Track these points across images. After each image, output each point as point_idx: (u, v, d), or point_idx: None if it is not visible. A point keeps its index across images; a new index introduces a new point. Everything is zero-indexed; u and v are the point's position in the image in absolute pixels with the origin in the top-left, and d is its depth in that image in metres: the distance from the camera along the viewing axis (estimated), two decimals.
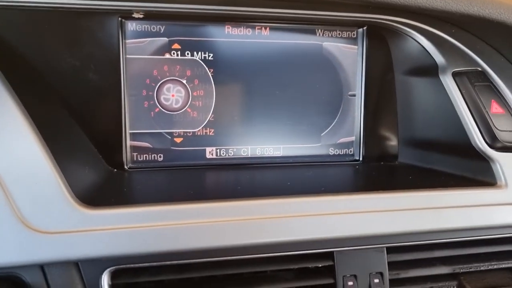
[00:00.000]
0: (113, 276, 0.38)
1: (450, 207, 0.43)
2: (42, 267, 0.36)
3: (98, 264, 0.37)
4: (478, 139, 0.45)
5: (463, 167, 0.48)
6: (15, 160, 0.35)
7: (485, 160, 0.46)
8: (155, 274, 0.39)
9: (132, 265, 0.37)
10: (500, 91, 0.47)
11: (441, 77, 0.48)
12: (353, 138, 0.54)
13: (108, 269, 0.37)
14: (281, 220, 0.39)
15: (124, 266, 0.37)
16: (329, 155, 0.54)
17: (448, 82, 0.47)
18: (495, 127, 0.45)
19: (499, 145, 0.45)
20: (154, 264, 0.38)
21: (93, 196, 0.38)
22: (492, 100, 0.47)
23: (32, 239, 0.34)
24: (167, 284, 0.40)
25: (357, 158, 0.55)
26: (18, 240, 0.34)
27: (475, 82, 0.47)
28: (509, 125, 0.46)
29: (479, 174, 0.46)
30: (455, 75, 0.47)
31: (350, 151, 0.55)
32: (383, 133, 0.55)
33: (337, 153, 0.54)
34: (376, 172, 0.51)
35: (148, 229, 0.36)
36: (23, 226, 0.34)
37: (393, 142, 0.55)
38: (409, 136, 0.53)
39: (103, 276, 0.37)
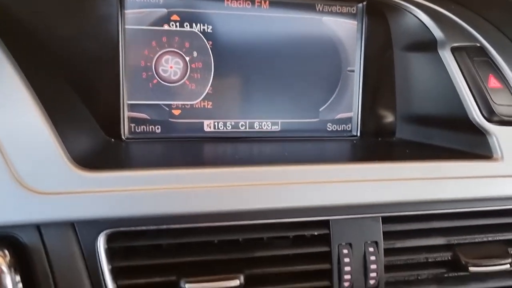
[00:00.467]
0: (109, 239, 0.38)
1: (446, 178, 0.43)
2: (38, 228, 0.36)
3: (94, 226, 0.37)
4: (475, 113, 0.46)
5: (461, 141, 0.48)
6: (14, 124, 0.35)
7: (482, 134, 0.46)
8: (151, 239, 0.39)
9: (128, 228, 0.38)
10: (499, 66, 0.47)
11: (440, 52, 0.48)
12: (351, 114, 0.55)
13: (104, 232, 0.37)
14: (278, 187, 0.39)
15: (120, 229, 0.37)
16: (327, 131, 0.54)
17: (447, 57, 0.47)
18: (493, 101, 0.45)
19: (496, 118, 0.45)
20: (151, 227, 0.38)
21: (90, 160, 0.38)
22: (490, 75, 0.47)
23: (29, 199, 0.34)
24: (164, 249, 0.40)
25: (355, 134, 0.55)
26: (14, 200, 0.34)
27: (473, 57, 0.47)
28: (506, 100, 0.46)
29: (476, 148, 0.46)
30: (454, 50, 0.48)
31: (348, 127, 0.55)
32: (381, 109, 0.55)
33: (335, 128, 0.54)
34: (374, 146, 0.51)
35: (145, 192, 0.36)
36: (20, 186, 0.34)
37: (391, 118, 0.55)
38: (407, 111, 0.54)
39: (99, 238, 0.37)
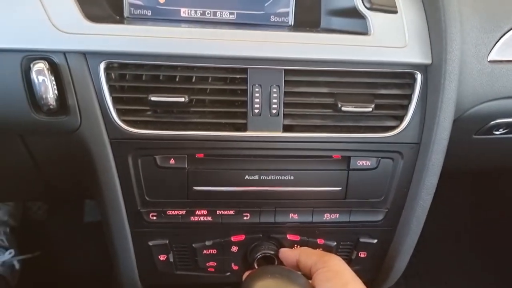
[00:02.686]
0: (107, 67, 0.62)
1: (332, 44, 0.64)
2: (64, 54, 0.60)
3: (97, 56, 0.61)
4: (359, 3, 0.65)
5: (351, 24, 0.67)
6: None
7: (363, 18, 0.65)
8: (133, 70, 0.63)
9: (120, 61, 0.61)
10: None
11: None
12: (288, 9, 0.75)
13: (104, 61, 0.61)
14: (223, 42, 0.61)
15: (112, 60, 0.61)
16: (270, 21, 0.75)
17: None
18: None
19: (371, 6, 0.64)
20: (132, 62, 0.62)
21: (100, 19, 0.62)
22: None
23: (59, 36, 0.58)
24: (143, 80, 0.63)
25: (290, 24, 0.75)
26: (51, 36, 0.58)
27: None
28: None
29: (358, 28, 0.66)
30: None
31: (286, 19, 0.75)
32: (310, 5, 0.74)
33: (276, 19, 0.75)
34: (297, 29, 0.72)
35: (130, 37, 0.60)
36: (55, 28, 0.58)
37: (317, 12, 0.74)
38: (327, 7, 0.73)
39: (100, 65, 0.61)
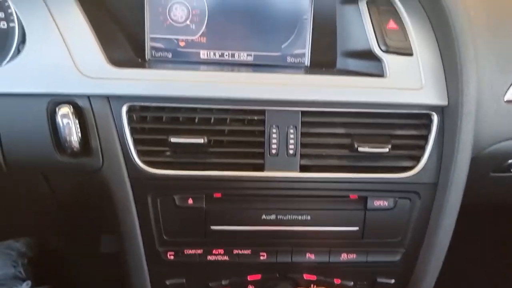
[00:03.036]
0: (129, 109, 0.63)
1: (348, 86, 0.65)
2: (89, 98, 0.62)
3: (120, 100, 0.63)
4: (375, 46, 0.66)
5: (367, 66, 0.69)
6: (79, 42, 0.62)
7: (378, 61, 0.66)
8: (154, 112, 0.64)
9: (141, 104, 0.63)
10: (399, 13, 0.67)
11: (359, 4, 0.69)
12: (304, 50, 0.76)
13: (126, 104, 0.63)
14: (242, 84, 0.63)
15: (134, 103, 0.63)
16: (286, 61, 0.77)
17: (363, 8, 0.68)
18: (387, 38, 0.66)
19: (387, 49, 0.65)
20: (153, 104, 0.64)
21: (122, 64, 0.64)
22: (390, 19, 0.67)
23: (84, 81, 0.61)
24: (163, 121, 0.65)
25: (306, 64, 0.77)
26: (77, 81, 0.61)
27: (380, 6, 0.67)
28: (397, 37, 0.66)
29: (374, 70, 0.67)
30: (368, 2, 0.68)
31: (302, 60, 0.77)
32: (326, 47, 0.76)
33: (293, 60, 0.77)
34: (314, 71, 0.73)
35: (153, 81, 0.62)
36: (80, 73, 0.61)
37: (333, 53, 0.76)
38: (343, 48, 0.74)
39: (123, 108, 0.63)
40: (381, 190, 0.69)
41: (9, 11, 0.64)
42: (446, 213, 0.69)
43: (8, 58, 0.64)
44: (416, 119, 0.67)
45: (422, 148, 0.68)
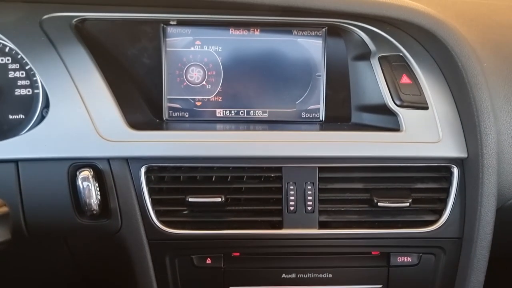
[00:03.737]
0: (148, 170, 0.64)
1: (365, 142, 0.65)
2: (108, 160, 0.64)
3: (138, 162, 0.64)
4: (389, 101, 0.67)
5: (382, 120, 0.69)
6: (99, 106, 0.64)
7: (393, 115, 0.67)
8: (172, 172, 0.65)
9: (158, 164, 0.64)
10: (412, 68, 0.68)
11: (371, 61, 0.70)
12: (319, 106, 0.77)
13: (144, 165, 0.64)
14: (257, 143, 0.64)
15: (153, 164, 0.64)
16: (301, 117, 0.77)
17: (375, 64, 0.69)
18: (401, 92, 0.66)
19: (402, 104, 0.66)
20: (171, 165, 0.65)
21: (140, 126, 0.66)
22: (404, 74, 0.68)
23: (104, 144, 0.62)
24: (181, 181, 0.66)
25: (321, 119, 0.77)
26: (97, 144, 0.62)
27: (393, 62, 0.68)
28: (411, 91, 0.66)
29: (390, 124, 0.67)
30: (380, 58, 0.69)
31: (317, 115, 0.77)
32: (340, 102, 0.77)
33: (307, 116, 0.77)
34: (329, 126, 0.74)
35: (170, 142, 0.63)
36: (99, 137, 0.63)
37: (347, 108, 0.76)
38: (357, 103, 0.75)
39: (141, 169, 0.64)
40: (404, 246, 0.67)
41: (34, 78, 0.67)
42: (474, 269, 0.66)
43: (31, 124, 0.66)
44: (435, 172, 0.66)
45: (444, 202, 0.66)
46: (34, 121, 0.66)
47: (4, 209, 0.49)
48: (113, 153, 0.63)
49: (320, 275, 0.68)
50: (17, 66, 0.67)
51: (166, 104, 0.76)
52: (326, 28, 0.75)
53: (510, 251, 0.88)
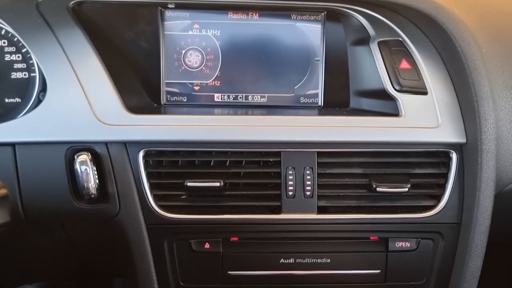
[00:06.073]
0: (146, 154, 0.64)
1: (364, 127, 0.64)
2: (106, 144, 0.63)
3: (136, 146, 0.63)
4: (388, 86, 0.66)
5: (381, 105, 0.69)
6: (97, 90, 0.63)
7: (392, 100, 0.66)
8: (170, 156, 0.65)
9: (155, 148, 0.64)
10: (411, 53, 0.67)
11: (370, 46, 0.69)
12: (317, 91, 0.77)
13: (143, 150, 0.64)
14: (258, 127, 0.64)
15: (151, 149, 0.64)
16: (300, 102, 0.77)
17: (375, 48, 0.68)
18: (401, 77, 0.66)
19: (401, 89, 0.65)
20: (169, 149, 0.64)
21: (138, 110, 0.65)
22: (403, 59, 0.67)
23: (102, 128, 0.62)
24: (179, 165, 0.65)
25: (320, 105, 0.77)
26: (95, 128, 0.62)
27: (392, 47, 0.68)
28: (410, 76, 0.66)
29: (389, 109, 0.67)
30: (380, 43, 0.68)
31: (315, 100, 0.77)
32: (338, 87, 0.76)
33: (306, 101, 0.77)
34: (328, 111, 0.73)
35: (168, 126, 0.62)
36: (98, 121, 0.62)
37: (346, 93, 0.76)
38: (356, 88, 0.75)
39: (139, 153, 0.63)
40: (402, 231, 0.67)
41: (31, 61, 0.66)
42: (472, 254, 0.66)
43: (28, 107, 0.65)
44: (434, 157, 0.66)
45: (443, 187, 0.66)
46: (31, 105, 0.66)
47: (3, 191, 0.49)
48: (111, 137, 0.62)
49: (319, 260, 0.68)
50: (13, 49, 0.66)
51: (164, 88, 0.76)
52: (325, 12, 0.75)
53: (507, 237, 0.89)
